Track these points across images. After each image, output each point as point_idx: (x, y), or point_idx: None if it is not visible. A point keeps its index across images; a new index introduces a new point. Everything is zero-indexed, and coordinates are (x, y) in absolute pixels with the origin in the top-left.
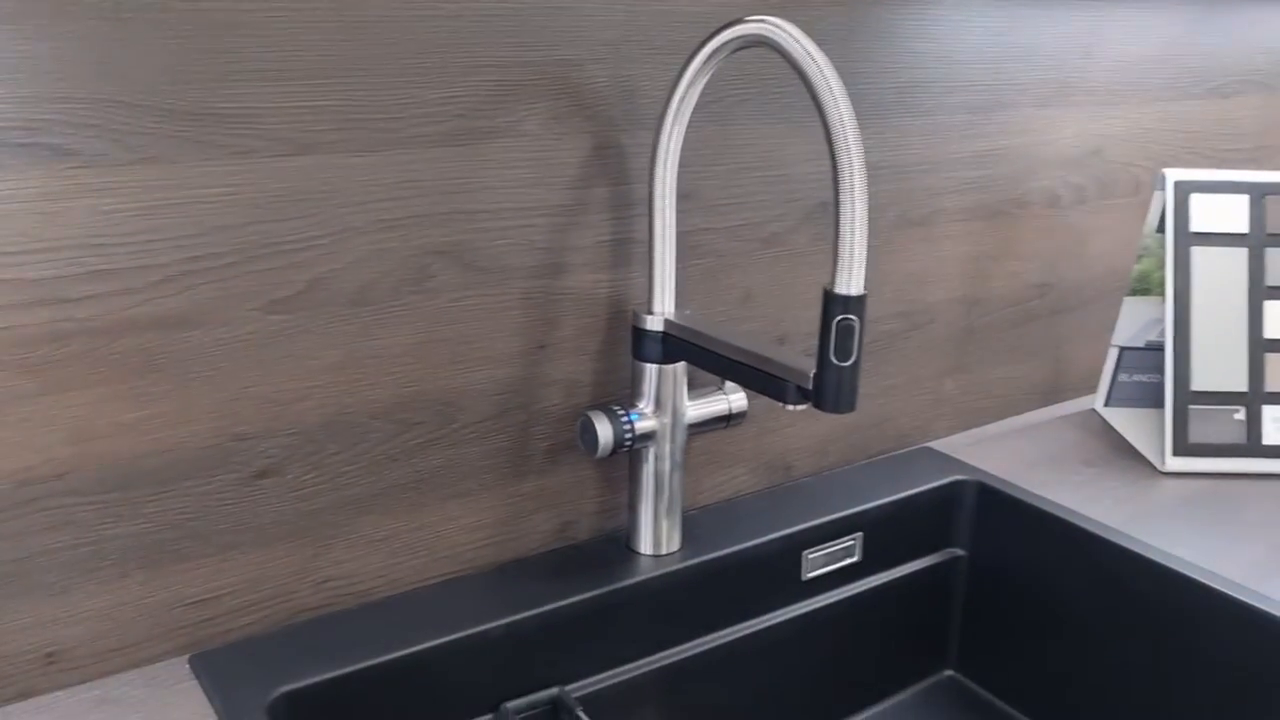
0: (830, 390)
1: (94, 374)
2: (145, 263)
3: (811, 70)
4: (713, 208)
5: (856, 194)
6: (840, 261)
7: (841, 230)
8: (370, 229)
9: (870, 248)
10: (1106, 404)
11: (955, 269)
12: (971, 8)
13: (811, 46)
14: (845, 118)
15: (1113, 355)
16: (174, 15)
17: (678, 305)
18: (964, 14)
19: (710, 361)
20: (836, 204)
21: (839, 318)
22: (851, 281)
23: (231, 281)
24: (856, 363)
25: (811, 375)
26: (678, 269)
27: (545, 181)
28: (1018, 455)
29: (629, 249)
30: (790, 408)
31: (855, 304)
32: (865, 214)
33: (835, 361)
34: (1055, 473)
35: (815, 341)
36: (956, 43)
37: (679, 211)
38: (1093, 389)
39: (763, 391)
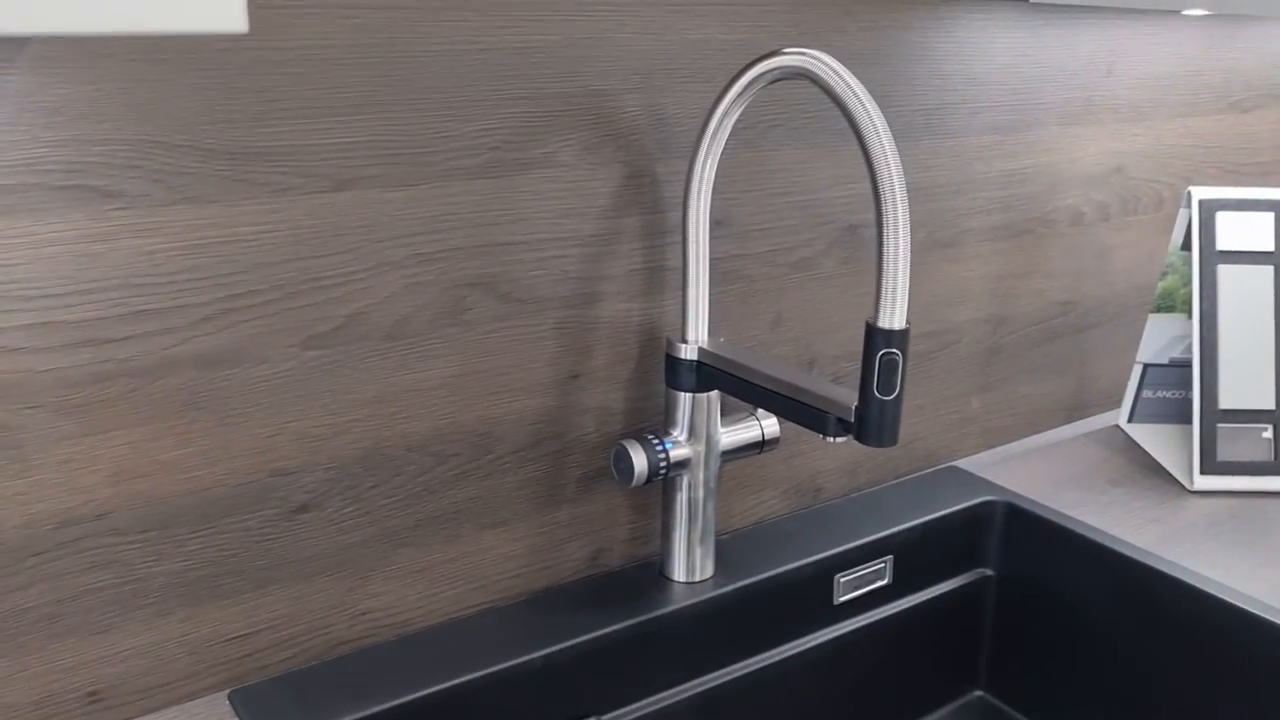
0: (873, 424)
1: (136, 414)
2: (186, 302)
3: (854, 104)
4: (745, 233)
5: (900, 227)
6: (884, 295)
7: (885, 263)
8: (407, 263)
9: None
10: (1130, 420)
11: (981, 288)
12: (996, 29)
13: (853, 80)
14: (889, 151)
15: (1137, 372)
16: (210, 55)
17: (711, 333)
18: (989, 35)
19: (746, 391)
20: (880, 237)
21: (883, 352)
22: (895, 315)
23: (271, 318)
24: (900, 396)
25: (854, 408)
26: (710, 296)
27: (579, 211)
28: (1044, 474)
29: (662, 277)
30: (831, 440)
31: (899, 338)
32: (908, 247)
33: (879, 395)
34: (1082, 491)
35: (845, 365)
36: (983, 64)
37: (711, 239)
38: (1116, 405)
39: (801, 423)
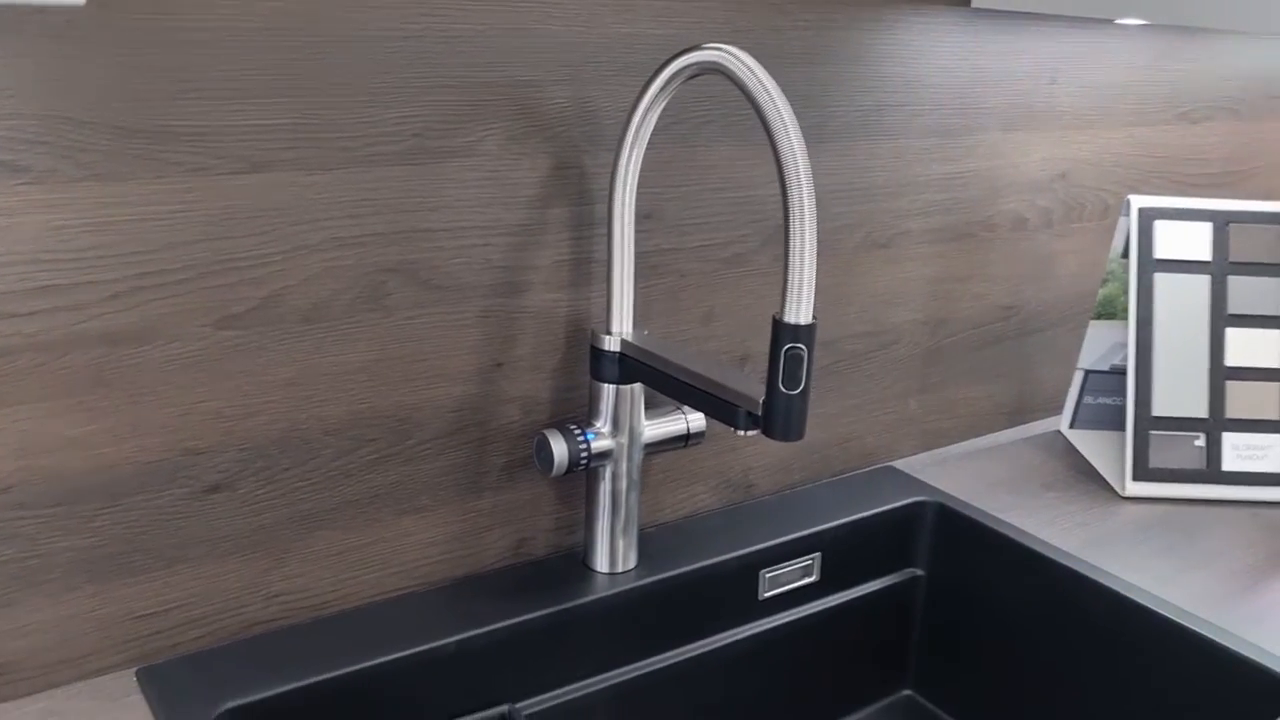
0: (779, 418)
1: (41, 389)
2: (95, 278)
3: (763, 99)
4: (675, 228)
5: (806, 224)
6: (790, 290)
7: (791, 259)
8: (325, 246)
9: (835, 268)
10: (1071, 426)
11: (921, 290)
12: (938, 32)
13: (764, 75)
14: (796, 147)
15: (1078, 378)
16: (125, 32)
17: (636, 326)
18: (931, 38)
19: (665, 384)
20: (787, 234)
21: (788, 346)
22: (800, 310)
23: (183, 298)
24: (805, 391)
25: (761, 402)
26: (638, 289)
27: (503, 201)
28: (980, 476)
29: (589, 269)
30: (741, 433)
31: (804, 333)
32: (814, 243)
33: (784, 390)
34: (1016, 495)
35: None
36: (925, 66)
37: (641, 232)
38: (1058, 410)
39: (714, 416)
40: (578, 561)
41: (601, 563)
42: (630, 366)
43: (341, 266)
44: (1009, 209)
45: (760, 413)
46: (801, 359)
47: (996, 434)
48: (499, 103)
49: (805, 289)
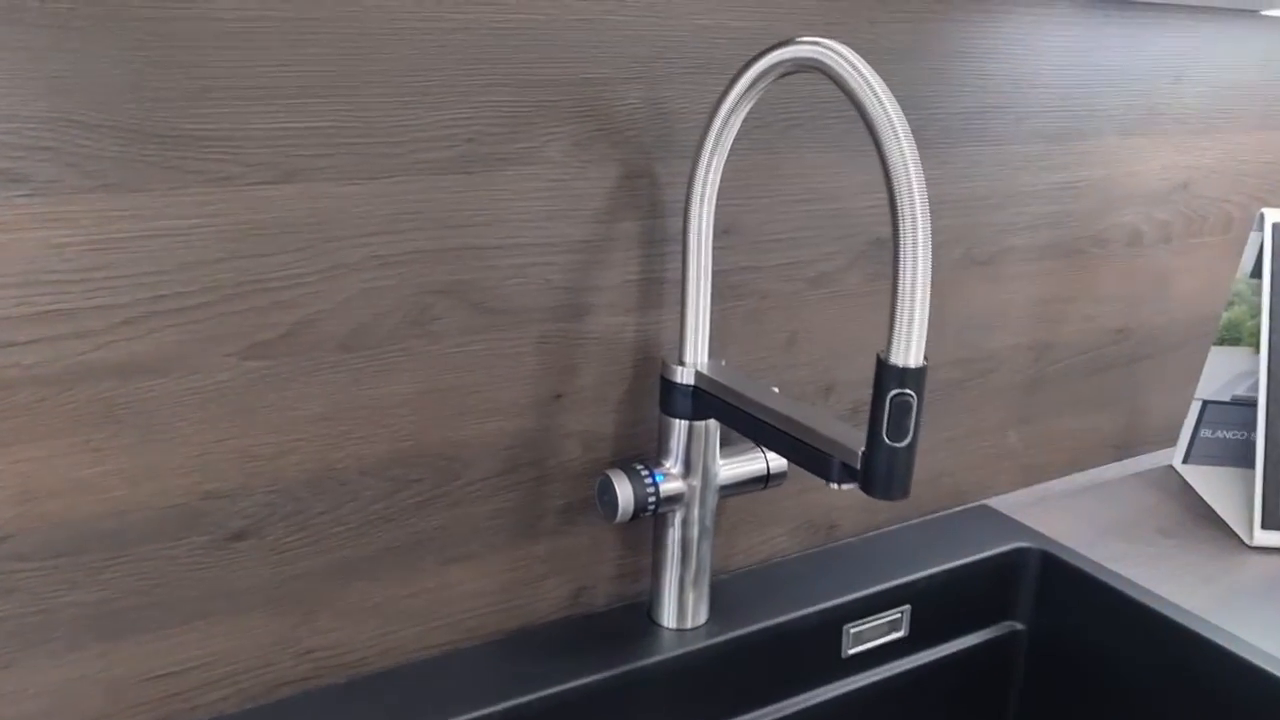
0: (881, 473)
1: (44, 427)
2: (104, 302)
3: (870, 103)
4: (756, 244)
5: (920, 249)
6: (898, 328)
7: (900, 291)
8: (365, 265)
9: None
10: (1185, 460)
11: (1024, 312)
12: (1052, 24)
13: (871, 75)
14: (909, 159)
15: (1195, 409)
16: (139, 24)
17: (712, 354)
18: (1043, 31)
19: (745, 424)
20: (896, 260)
21: (894, 392)
22: (910, 351)
23: (203, 324)
24: (913, 443)
25: (860, 454)
26: (714, 312)
27: (566, 214)
28: (1087, 519)
29: (660, 289)
30: (834, 487)
31: (913, 377)
32: (928, 272)
33: (888, 441)
34: (1128, 542)
35: (866, 393)
36: (1034, 63)
37: (718, 249)
38: (1170, 442)
39: (803, 465)
40: (642, 614)
41: (669, 618)
42: (705, 401)
43: (383, 288)
44: (1124, 222)
45: (859, 465)
46: (910, 407)
47: (1101, 469)
48: (562, 103)
49: (917, 326)
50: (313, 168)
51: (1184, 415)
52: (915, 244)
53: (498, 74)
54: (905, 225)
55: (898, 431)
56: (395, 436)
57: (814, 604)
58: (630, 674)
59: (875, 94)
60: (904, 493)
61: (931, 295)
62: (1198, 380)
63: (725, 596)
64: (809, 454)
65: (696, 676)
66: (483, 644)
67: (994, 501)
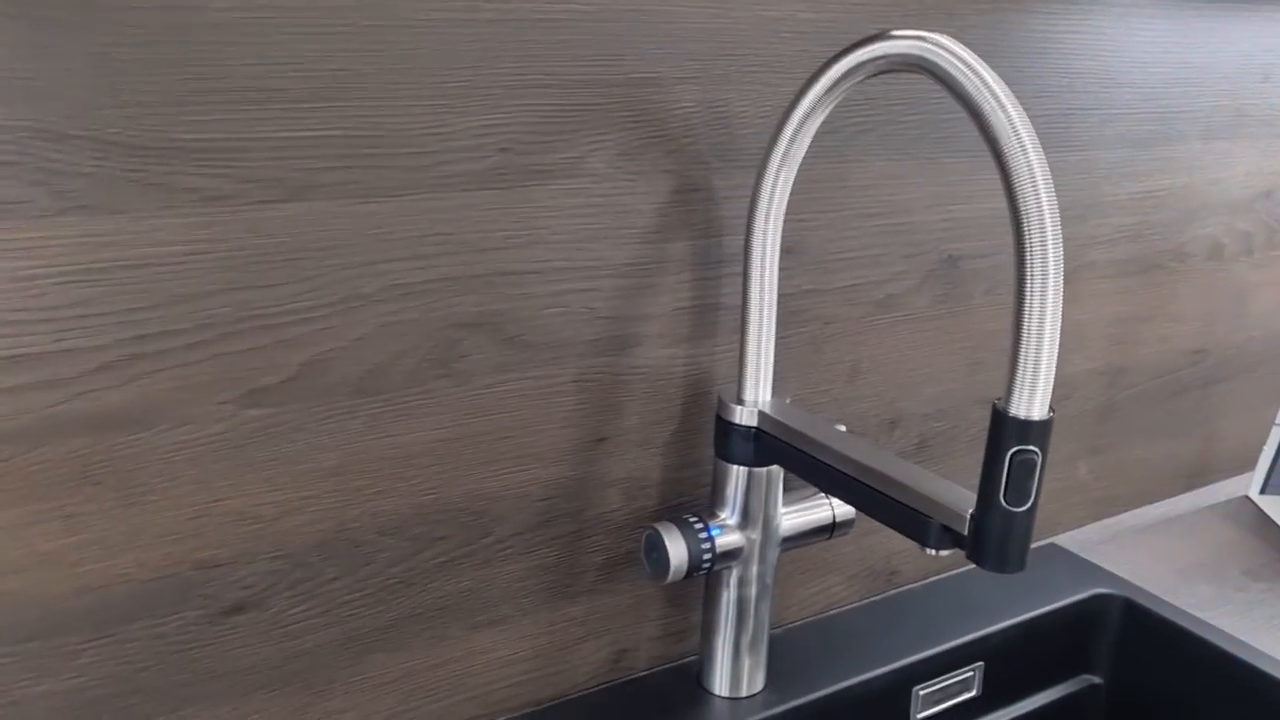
0: (994, 541)
1: (7, 492)
2: (77, 344)
3: (989, 107)
4: (820, 264)
5: (1050, 280)
6: (1020, 373)
7: (1025, 329)
8: (383, 296)
9: (1001, 310)
10: (1263, 490)
11: (1099, 333)
12: (1137, 20)
13: (989, 75)
14: (1037, 172)
15: (1276, 435)
16: (120, 13)
17: (775, 391)
18: (1130, 25)
19: (817, 473)
20: (1021, 293)
21: (1015, 449)
22: (1035, 401)
23: (195, 367)
24: (1033, 508)
25: (969, 516)
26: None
27: (612, 233)
28: (1165, 558)
29: (715, 317)
30: (933, 553)
31: (1038, 432)
32: (1059, 306)
33: (1006, 505)
34: (1216, 584)
35: (934, 426)
36: (1121, 61)
37: (780, 269)
38: (1243, 469)
39: (894, 525)
40: (691, 680)
41: (721, 685)
42: (768, 445)
43: (404, 322)
44: (1205, 234)
45: (967, 531)
46: (1033, 467)
47: (1174, 499)
48: (608, 107)
49: (1044, 371)
50: (324, 183)
51: (1262, 441)
52: (1045, 273)
53: (536, 72)
54: (1033, 249)
55: (1018, 495)
56: (417, 490)
57: (880, 665)
58: None
59: (995, 97)
60: (1021, 564)
61: (1003, 318)
62: (1279, 404)
63: (781, 657)
64: (900, 513)
65: None
66: (515, 718)
67: (1063, 539)
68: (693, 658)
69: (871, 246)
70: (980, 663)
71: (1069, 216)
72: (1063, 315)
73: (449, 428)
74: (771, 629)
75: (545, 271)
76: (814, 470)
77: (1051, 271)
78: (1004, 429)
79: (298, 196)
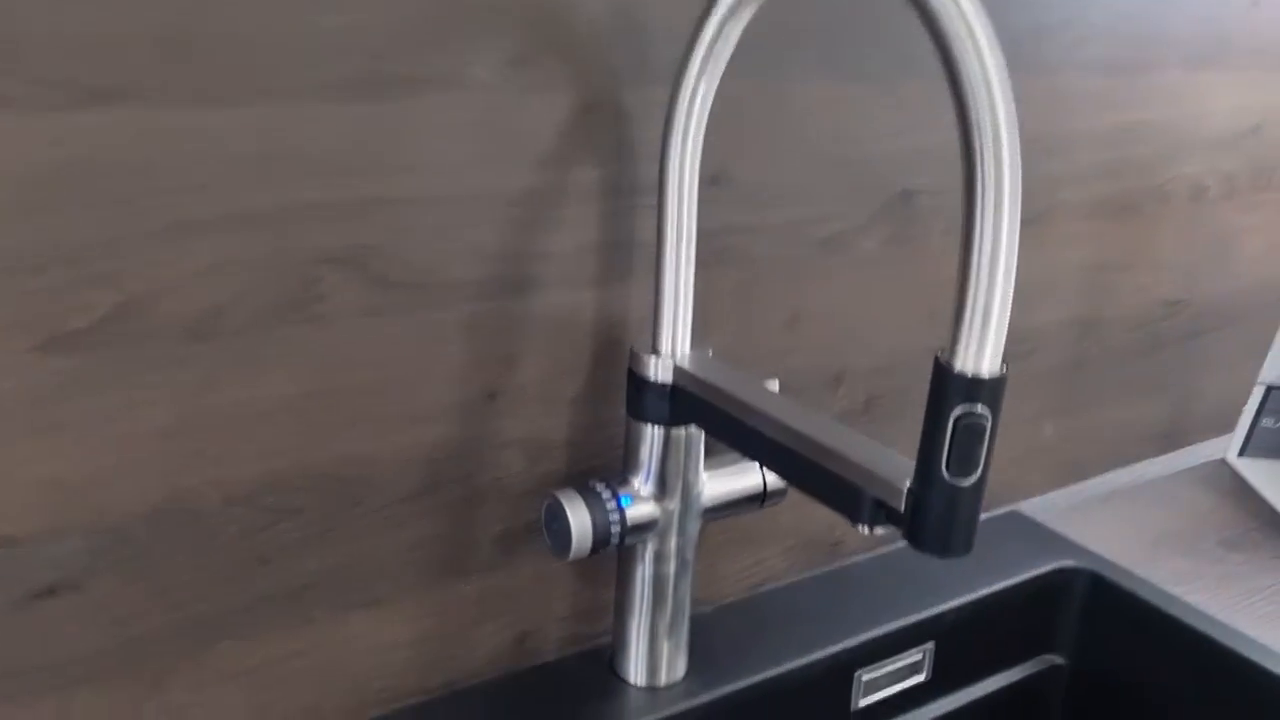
0: (934, 521)
1: None
2: None
3: (949, 16)
4: (751, 198)
5: (1005, 209)
6: (968, 320)
7: (974, 268)
8: (221, 225)
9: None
10: (1242, 453)
11: (1071, 281)
12: None
13: None
14: (992, 76)
15: (1257, 394)
16: None
17: (695, 341)
18: None
19: (740, 436)
20: (969, 225)
21: (960, 410)
22: (985, 353)
23: None
24: (981, 482)
25: (906, 490)
26: (698, 285)
27: (502, 157)
28: (1136, 527)
29: (628, 256)
30: (863, 530)
31: (988, 390)
32: (1015, 243)
33: (948, 477)
34: (1189, 557)
35: (882, 384)
36: None
37: (703, 203)
38: (1220, 430)
39: (821, 498)
40: (603, 666)
41: (637, 673)
42: (686, 403)
43: (249, 256)
44: (1187, 173)
45: (903, 507)
46: (982, 432)
47: (1146, 463)
48: (500, 9)
49: (995, 318)
50: (140, 87)
51: (1242, 401)
52: (999, 201)
53: None
54: (985, 172)
55: (963, 465)
56: (270, 452)
57: (819, 648)
58: None
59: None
60: (965, 547)
61: None
62: (1262, 360)
63: (707, 640)
64: (830, 484)
65: None
66: (398, 710)
67: (1026, 506)
68: (606, 640)
69: (813, 179)
70: (930, 643)
71: (1036, 149)
72: (1030, 261)
73: (309, 381)
74: (697, 608)
75: (423, 200)
76: (735, 432)
77: (1007, 196)
78: (947, 386)
79: (105, 102)
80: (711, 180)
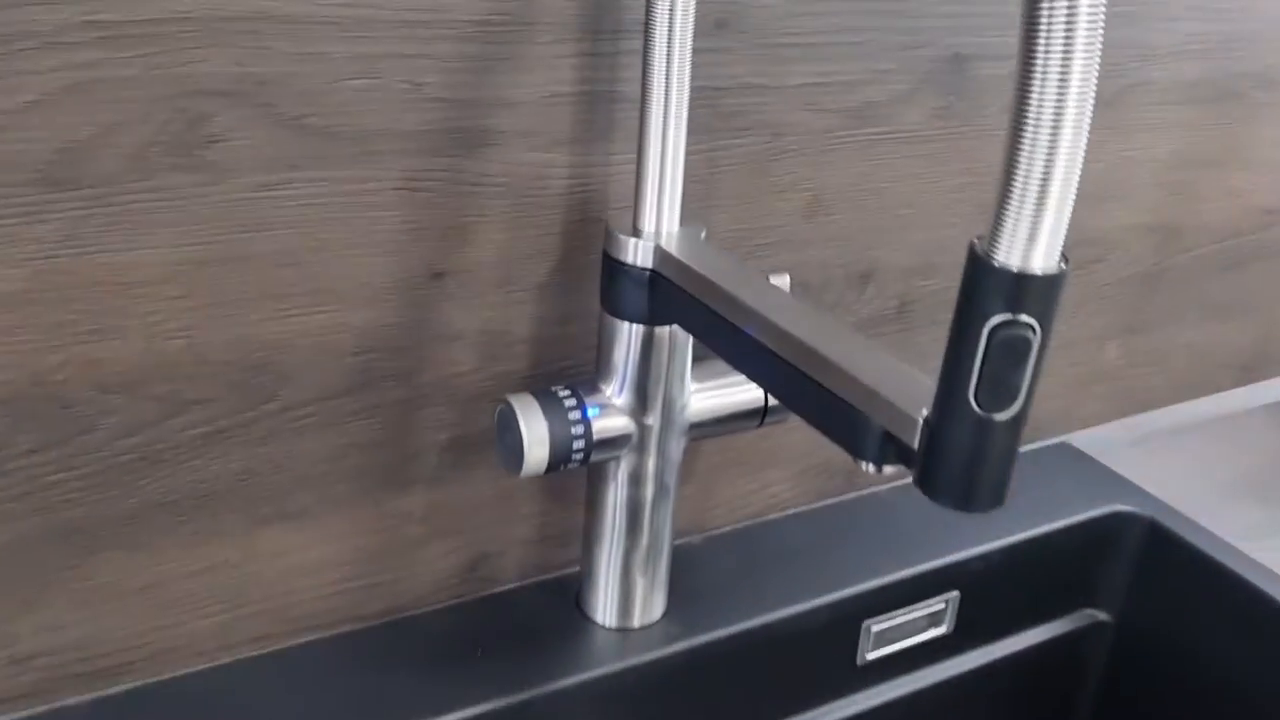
0: (954, 463)
1: None
2: None
3: None
4: (769, 50)
5: (1074, 66)
6: (1016, 202)
7: (1027, 137)
8: (71, 38)
9: None
10: None
11: (1150, 179)
12: None
13: None
14: None
15: None
16: None
17: (686, 220)
18: None
19: (727, 340)
20: (1024, 83)
21: (998, 319)
22: (1037, 242)
23: None
24: (1022, 416)
25: (921, 421)
26: (694, 154)
27: None
28: (1205, 469)
29: (608, 111)
30: (868, 469)
31: (1039, 293)
32: (1085, 109)
33: (977, 408)
34: (1262, 505)
35: (919, 285)
36: None
37: (703, 51)
38: None
39: (819, 425)
40: (569, 600)
41: (606, 613)
42: (668, 296)
43: (111, 80)
44: None
45: (917, 443)
46: (1025, 349)
47: (1220, 396)
48: None
49: (1053, 202)
50: None
51: None
52: (1063, 55)
53: None
54: (1047, 22)
55: (997, 392)
56: (157, 332)
57: (822, 591)
58: (548, 698)
59: None
60: (995, 501)
61: None
62: None
63: (692, 576)
64: (829, 408)
65: (645, 700)
66: (324, 640)
67: (1079, 438)
68: (575, 571)
69: (846, 29)
70: (954, 592)
71: (1120, 16)
72: (1101, 152)
73: (202, 244)
74: (684, 539)
75: (344, 22)
76: (720, 335)
77: (1079, 52)
78: (983, 284)
79: None
80: (717, 24)
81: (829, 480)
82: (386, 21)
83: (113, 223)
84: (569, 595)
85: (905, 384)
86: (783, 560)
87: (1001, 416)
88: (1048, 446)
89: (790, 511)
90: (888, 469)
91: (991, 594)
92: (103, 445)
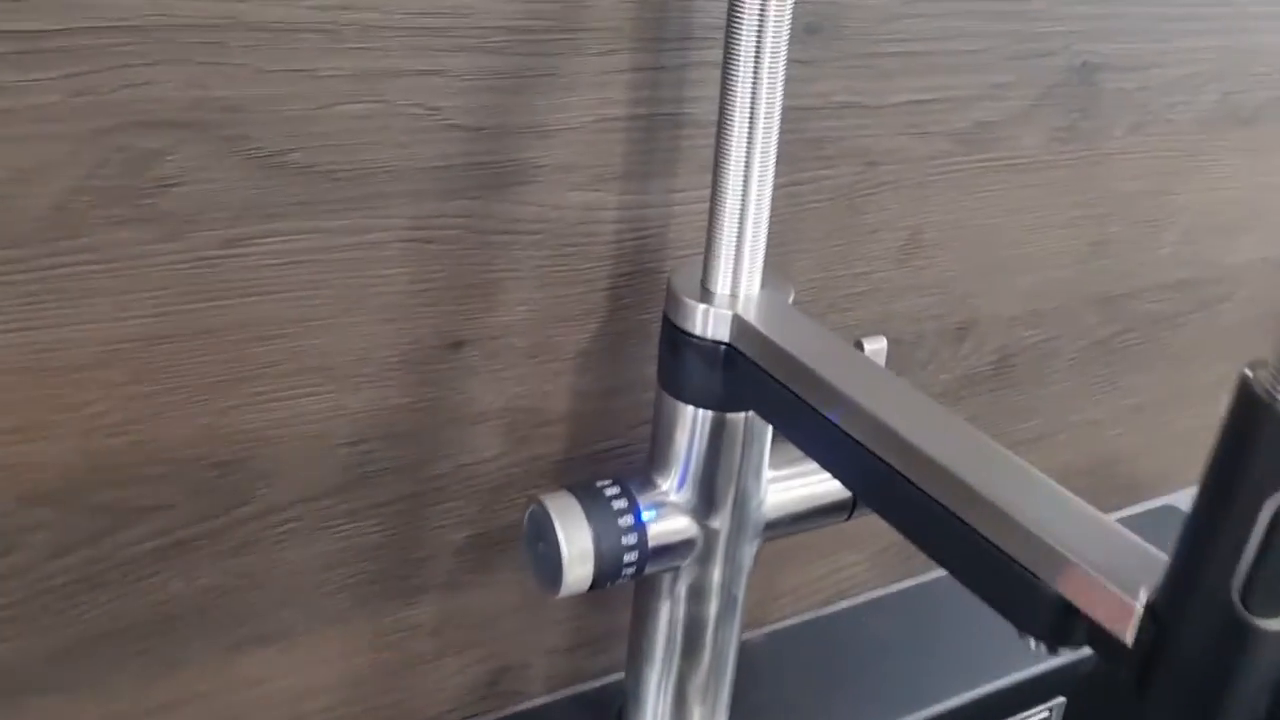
0: (1200, 679)
1: None
2: None
3: None
4: (867, 60)
5: None
6: None
7: None
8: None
9: (1149, 159)
10: None
11: None
12: None
13: None
14: None
15: None
16: None
17: (767, 281)
18: None
19: (829, 448)
20: None
21: None
22: None
23: None
24: None
25: (1138, 611)
26: (778, 192)
27: None
28: None
29: (672, 139)
30: (1036, 648)
31: None
32: None
33: (1242, 610)
34: None
35: (1026, 337)
36: None
37: (791, 63)
38: None
39: (962, 576)
40: (609, 717)
41: None
42: (748, 377)
43: (32, 108)
44: None
45: (1131, 638)
46: None
47: None
48: None
49: None
50: None
51: None
52: None
53: None
54: None
55: (1277, 591)
56: (95, 427)
57: (913, 706)
58: None
59: None
60: None
61: (1153, 173)
62: None
63: (756, 684)
64: (980, 561)
65: None
66: None
67: (1184, 499)
68: (616, 678)
69: (961, 34)
70: (1060, 699)
71: (1266, 18)
72: (1240, 173)
73: (152, 316)
74: (747, 632)
75: (337, 30)
76: (820, 440)
77: None
78: (1269, 441)
79: None
80: (807, 29)
81: (906, 562)
82: (392, 29)
83: (34, 294)
84: (607, 710)
85: (1104, 542)
86: (861, 662)
87: (1276, 626)
88: (1152, 509)
89: (866, 596)
90: (1079, 653)
91: (1100, 699)
92: (27, 568)
